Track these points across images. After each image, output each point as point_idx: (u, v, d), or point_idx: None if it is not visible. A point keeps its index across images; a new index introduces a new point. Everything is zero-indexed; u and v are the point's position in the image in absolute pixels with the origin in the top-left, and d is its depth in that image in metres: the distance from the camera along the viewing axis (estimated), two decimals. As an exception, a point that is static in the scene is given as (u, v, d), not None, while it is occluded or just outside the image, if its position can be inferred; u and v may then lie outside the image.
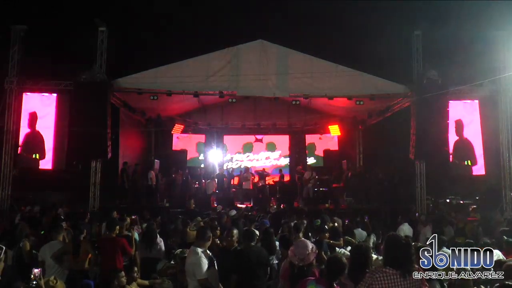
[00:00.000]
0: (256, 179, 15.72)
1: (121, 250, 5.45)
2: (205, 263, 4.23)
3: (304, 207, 13.06)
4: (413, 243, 5.87)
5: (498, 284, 3.52)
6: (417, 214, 11.14)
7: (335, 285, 3.41)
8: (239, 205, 13.08)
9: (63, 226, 6.15)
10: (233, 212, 9.59)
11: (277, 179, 15.93)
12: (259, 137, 18.28)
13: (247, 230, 5.18)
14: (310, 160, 17.96)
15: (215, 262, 4.42)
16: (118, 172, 13.96)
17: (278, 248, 6.07)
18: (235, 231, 5.09)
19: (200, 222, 7.29)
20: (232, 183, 16.06)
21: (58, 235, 5.55)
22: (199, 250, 4.36)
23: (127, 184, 13.72)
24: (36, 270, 3.71)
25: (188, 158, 17.86)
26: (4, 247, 3.61)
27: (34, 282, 3.65)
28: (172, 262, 5.98)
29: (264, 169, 16.58)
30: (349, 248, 6.39)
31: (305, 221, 6.73)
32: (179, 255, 5.47)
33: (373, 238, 7.51)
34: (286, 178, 16.94)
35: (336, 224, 7.39)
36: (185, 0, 19.36)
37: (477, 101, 13.23)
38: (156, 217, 9.55)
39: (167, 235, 7.48)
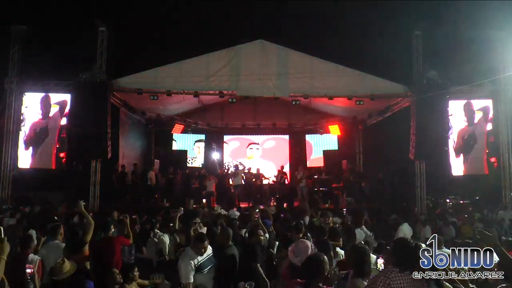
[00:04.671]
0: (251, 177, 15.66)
1: (121, 245, 5.45)
2: (185, 268, 4.25)
3: (304, 206, 13.04)
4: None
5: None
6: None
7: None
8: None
9: (61, 226, 6.14)
10: (237, 214, 9.51)
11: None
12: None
13: (251, 229, 5.24)
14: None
15: (209, 268, 4.42)
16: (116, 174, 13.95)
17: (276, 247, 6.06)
18: (230, 231, 5.11)
19: (199, 223, 7.26)
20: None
21: (57, 235, 5.55)
22: (188, 253, 4.42)
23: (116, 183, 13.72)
24: (28, 271, 3.70)
25: (188, 158, 17.92)
26: (1, 228, 3.61)
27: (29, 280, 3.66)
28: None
29: (258, 169, 16.58)
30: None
31: (301, 221, 6.70)
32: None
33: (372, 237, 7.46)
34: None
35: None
36: (185, 0, 19.35)
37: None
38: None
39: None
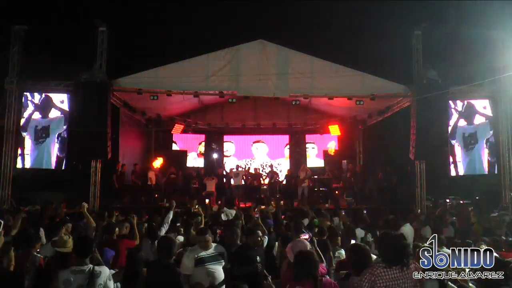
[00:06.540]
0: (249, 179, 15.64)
1: (126, 246, 5.44)
2: (185, 261, 4.33)
3: (303, 207, 13.04)
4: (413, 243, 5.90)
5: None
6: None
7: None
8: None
9: (63, 226, 6.12)
10: (233, 212, 9.56)
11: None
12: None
13: (249, 229, 5.25)
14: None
15: (210, 264, 4.39)
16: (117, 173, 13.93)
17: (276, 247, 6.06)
18: (238, 230, 5.13)
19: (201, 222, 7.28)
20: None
21: (58, 233, 5.55)
22: (193, 248, 4.50)
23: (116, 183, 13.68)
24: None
25: (188, 158, 17.90)
26: (2, 222, 3.62)
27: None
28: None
29: (255, 169, 16.58)
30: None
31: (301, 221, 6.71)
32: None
33: (369, 237, 7.47)
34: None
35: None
36: (185, 0, 19.35)
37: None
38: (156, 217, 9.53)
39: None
